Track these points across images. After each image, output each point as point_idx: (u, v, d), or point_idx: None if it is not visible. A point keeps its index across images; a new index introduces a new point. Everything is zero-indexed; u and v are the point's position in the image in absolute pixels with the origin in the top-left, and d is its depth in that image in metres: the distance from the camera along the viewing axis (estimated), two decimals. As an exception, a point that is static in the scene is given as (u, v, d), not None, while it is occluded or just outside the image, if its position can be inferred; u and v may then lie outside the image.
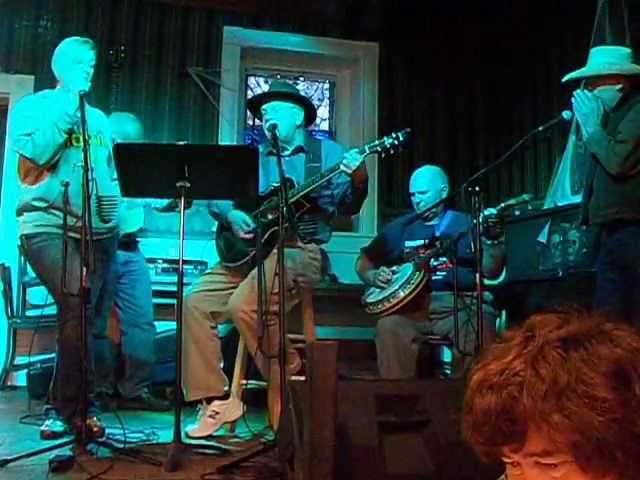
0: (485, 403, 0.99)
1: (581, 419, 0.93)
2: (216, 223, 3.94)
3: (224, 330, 4.24)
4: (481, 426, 1.01)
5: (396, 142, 3.47)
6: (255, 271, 3.37)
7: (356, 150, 3.46)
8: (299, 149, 3.79)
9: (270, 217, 3.55)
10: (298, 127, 3.81)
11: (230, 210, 3.72)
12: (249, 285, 3.44)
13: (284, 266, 3.46)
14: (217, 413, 3.52)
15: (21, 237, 3.51)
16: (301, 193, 3.56)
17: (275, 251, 3.25)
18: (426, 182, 4.12)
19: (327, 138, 6.11)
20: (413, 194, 4.15)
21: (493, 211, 3.56)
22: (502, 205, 3.59)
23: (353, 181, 3.52)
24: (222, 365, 3.67)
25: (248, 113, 5.86)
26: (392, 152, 3.50)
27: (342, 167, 3.44)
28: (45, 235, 3.39)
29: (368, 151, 3.45)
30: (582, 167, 3.52)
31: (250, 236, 3.58)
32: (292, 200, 3.50)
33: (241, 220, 3.65)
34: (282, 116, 3.70)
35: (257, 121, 5.21)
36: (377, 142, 3.50)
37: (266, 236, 3.50)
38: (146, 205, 4.50)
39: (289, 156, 3.74)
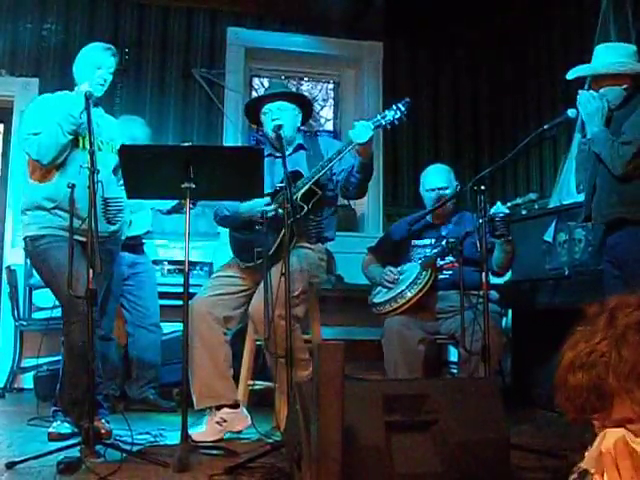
0: (576, 381, 1.17)
1: None
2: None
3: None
4: (573, 399, 1.19)
5: (398, 113, 3.46)
6: (274, 274, 3.33)
7: (363, 122, 3.42)
8: (299, 147, 3.79)
9: (281, 212, 3.45)
10: (298, 129, 3.83)
11: (240, 205, 3.65)
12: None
13: (300, 268, 3.46)
14: (225, 421, 3.49)
15: (25, 239, 3.49)
16: (314, 178, 3.52)
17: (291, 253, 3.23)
18: (445, 179, 4.12)
19: (331, 137, 6.10)
20: (433, 190, 4.11)
21: (502, 209, 3.54)
22: (509, 204, 3.58)
23: (361, 155, 3.46)
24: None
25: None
26: (397, 123, 3.49)
27: (352, 137, 3.39)
28: (50, 237, 3.38)
29: (373, 126, 3.42)
30: (585, 164, 3.51)
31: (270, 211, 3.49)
32: (305, 188, 3.49)
33: (259, 204, 3.53)
34: (287, 116, 3.69)
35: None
36: (379, 117, 3.47)
37: (282, 233, 3.40)
38: (153, 207, 4.52)
39: (290, 155, 3.72)
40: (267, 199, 3.53)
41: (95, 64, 3.53)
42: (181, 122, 5.91)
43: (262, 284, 3.44)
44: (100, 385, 3.48)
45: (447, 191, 4.06)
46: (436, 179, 4.13)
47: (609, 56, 3.35)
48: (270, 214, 3.48)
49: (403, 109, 3.47)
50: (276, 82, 5.55)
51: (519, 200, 3.67)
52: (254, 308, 3.46)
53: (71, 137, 3.39)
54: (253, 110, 3.85)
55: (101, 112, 3.61)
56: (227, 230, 3.86)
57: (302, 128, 3.99)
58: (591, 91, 3.33)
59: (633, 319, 1.17)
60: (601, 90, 3.31)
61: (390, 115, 3.46)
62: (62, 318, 3.41)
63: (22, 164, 3.61)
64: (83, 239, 3.16)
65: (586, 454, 1.25)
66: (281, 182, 3.49)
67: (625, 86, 3.28)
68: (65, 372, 3.41)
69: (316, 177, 3.52)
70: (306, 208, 3.49)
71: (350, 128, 3.48)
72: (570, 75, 3.45)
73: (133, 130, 4.48)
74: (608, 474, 1.14)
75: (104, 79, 3.51)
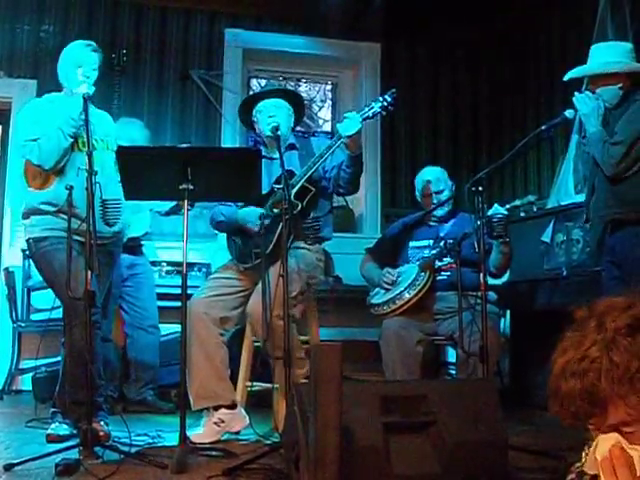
0: (569, 388, 1.18)
1: None
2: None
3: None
4: (567, 406, 1.19)
5: (385, 103, 3.47)
6: (271, 275, 3.34)
7: (351, 115, 3.42)
8: (291, 146, 3.78)
9: (276, 211, 3.47)
10: (292, 129, 3.82)
11: (237, 212, 3.66)
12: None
13: (298, 268, 3.45)
14: (222, 421, 3.49)
15: (28, 240, 3.49)
16: (306, 175, 3.52)
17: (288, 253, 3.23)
18: (441, 182, 4.11)
19: (328, 138, 6.10)
20: (430, 195, 4.12)
21: (501, 210, 3.54)
22: (507, 206, 3.58)
23: (349, 148, 3.44)
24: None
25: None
26: (384, 114, 3.51)
27: (341, 130, 3.38)
28: (54, 239, 3.38)
29: (360, 118, 3.42)
30: (586, 164, 3.52)
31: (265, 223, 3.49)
32: (298, 186, 3.49)
33: (254, 214, 3.54)
34: (282, 115, 3.69)
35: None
36: (366, 109, 3.47)
37: (278, 231, 3.42)
38: (152, 209, 4.51)
39: (282, 154, 3.70)
40: (262, 210, 3.53)
41: (76, 63, 3.51)
42: (179, 123, 5.91)
43: (259, 285, 3.44)
44: (101, 387, 3.48)
45: (444, 193, 4.06)
46: (434, 183, 4.12)
47: (604, 55, 3.35)
48: (267, 222, 3.49)
49: (389, 99, 3.48)
50: (272, 83, 5.55)
51: (518, 202, 3.68)
52: (252, 309, 3.46)
53: (72, 140, 3.39)
54: (248, 110, 3.83)
55: (92, 108, 3.57)
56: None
57: (297, 129, 3.99)
58: (587, 91, 3.33)
59: (621, 323, 1.17)
60: (597, 90, 3.31)
61: (377, 106, 3.47)
62: (63, 320, 3.41)
63: (19, 168, 3.60)
64: (84, 240, 3.15)
65: (583, 454, 1.25)
66: (275, 182, 3.50)
67: (620, 85, 3.27)
68: (67, 374, 3.40)
69: (308, 174, 3.52)
70: (300, 206, 3.48)
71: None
72: (566, 77, 3.46)
73: (132, 132, 4.48)
74: None
75: (86, 76, 3.48)
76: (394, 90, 3.53)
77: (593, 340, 1.17)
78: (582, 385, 1.16)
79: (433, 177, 4.14)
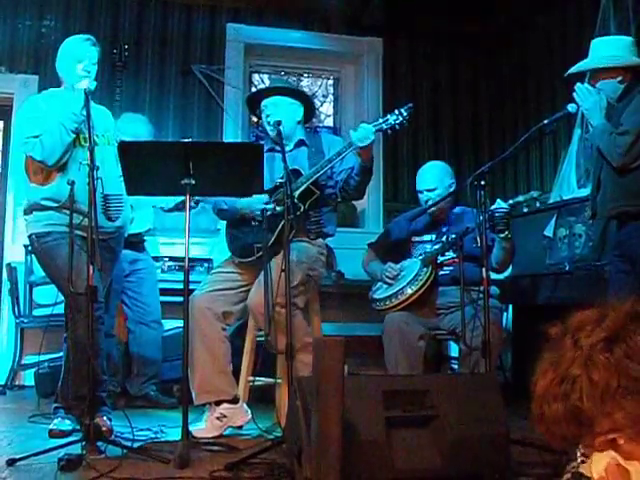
0: (553, 412, 1.15)
1: (637, 410, 1.10)
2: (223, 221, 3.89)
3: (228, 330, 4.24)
4: (554, 431, 1.17)
5: (400, 118, 3.45)
6: (273, 268, 3.32)
7: (366, 125, 3.41)
8: (301, 143, 3.77)
9: (279, 209, 3.46)
10: (298, 123, 3.78)
11: (238, 201, 3.64)
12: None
13: (298, 260, 3.44)
14: (224, 416, 3.49)
15: (30, 236, 3.48)
16: (312, 178, 3.51)
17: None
18: (434, 179, 4.06)
19: (331, 133, 6.10)
20: (421, 192, 4.09)
21: (503, 205, 3.53)
22: (510, 202, 3.57)
23: (361, 158, 3.45)
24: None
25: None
26: (398, 128, 3.48)
27: (353, 139, 3.38)
28: (57, 234, 3.38)
29: (374, 129, 3.41)
30: (589, 159, 3.50)
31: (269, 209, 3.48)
32: (303, 187, 3.49)
33: (257, 202, 3.52)
34: (283, 112, 3.66)
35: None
36: (381, 120, 3.46)
37: (279, 228, 3.42)
38: (155, 205, 4.51)
39: (291, 151, 3.69)
40: (265, 197, 3.52)
41: (76, 58, 3.50)
42: (181, 118, 5.91)
43: (259, 277, 3.44)
44: (104, 382, 3.48)
45: (435, 192, 3.99)
46: (424, 180, 4.08)
47: (605, 49, 3.33)
48: (269, 213, 3.48)
49: (405, 114, 3.46)
50: (276, 78, 5.53)
51: (520, 198, 3.66)
52: (252, 301, 3.47)
53: (74, 135, 3.39)
54: (256, 104, 3.81)
55: (91, 103, 3.57)
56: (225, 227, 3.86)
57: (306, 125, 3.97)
58: (587, 85, 3.32)
59: (596, 338, 1.13)
60: (598, 84, 3.30)
61: (392, 119, 3.45)
62: (67, 315, 3.41)
63: (21, 163, 3.59)
64: (85, 235, 3.15)
65: (578, 453, 1.25)
66: (281, 178, 3.49)
67: (620, 78, 3.26)
68: (70, 369, 3.40)
69: (314, 177, 3.52)
70: (302, 208, 3.48)
71: (350, 124, 3.47)
72: (567, 73, 3.44)
73: (136, 128, 4.48)
74: None
75: (87, 71, 3.48)
76: (411, 105, 3.49)
77: (571, 359, 1.14)
78: (565, 408, 1.13)
79: (428, 175, 4.09)
